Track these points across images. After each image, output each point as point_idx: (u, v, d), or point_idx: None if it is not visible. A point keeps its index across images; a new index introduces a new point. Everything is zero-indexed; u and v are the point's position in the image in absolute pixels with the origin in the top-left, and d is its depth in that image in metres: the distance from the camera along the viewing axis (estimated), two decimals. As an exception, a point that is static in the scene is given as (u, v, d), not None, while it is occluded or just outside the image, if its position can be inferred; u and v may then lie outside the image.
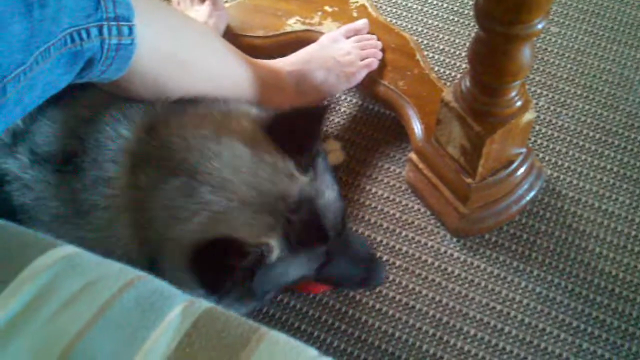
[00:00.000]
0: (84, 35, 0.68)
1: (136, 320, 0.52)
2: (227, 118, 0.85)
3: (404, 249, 1.10)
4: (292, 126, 0.82)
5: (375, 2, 1.37)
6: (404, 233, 1.12)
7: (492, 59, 0.90)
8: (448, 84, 1.26)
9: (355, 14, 1.27)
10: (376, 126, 1.24)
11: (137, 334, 0.51)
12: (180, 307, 0.54)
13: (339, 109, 1.26)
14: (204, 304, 0.55)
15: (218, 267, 0.73)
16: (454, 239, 1.10)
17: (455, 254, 1.09)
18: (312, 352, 0.52)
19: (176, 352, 0.50)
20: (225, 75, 0.97)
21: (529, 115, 0.99)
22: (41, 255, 0.56)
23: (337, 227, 0.85)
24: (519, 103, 0.96)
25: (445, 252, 1.10)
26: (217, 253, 0.73)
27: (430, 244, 1.10)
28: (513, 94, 0.94)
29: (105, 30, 0.70)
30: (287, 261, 0.80)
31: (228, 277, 0.73)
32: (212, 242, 0.74)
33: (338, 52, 1.15)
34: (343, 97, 1.27)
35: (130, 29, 0.73)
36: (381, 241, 1.11)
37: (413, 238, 1.11)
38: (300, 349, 0.51)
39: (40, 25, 0.63)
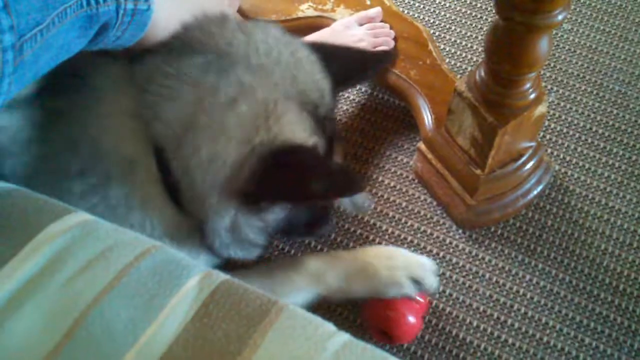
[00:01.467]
0: None
1: (153, 288, 0.52)
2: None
3: (409, 238, 1.10)
4: (346, 57, 0.79)
5: (388, -9, 1.36)
6: (409, 223, 1.11)
7: (509, 49, 0.89)
8: (459, 75, 1.26)
9: (368, 2, 1.27)
10: (385, 115, 1.23)
11: (154, 302, 0.51)
12: (197, 278, 0.53)
13: (349, 97, 1.26)
14: (222, 275, 0.54)
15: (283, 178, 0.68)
16: (460, 230, 1.10)
17: (461, 245, 1.09)
18: (331, 327, 0.51)
19: (194, 321, 0.50)
20: None
21: (541, 108, 0.98)
22: (56, 221, 0.56)
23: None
24: (532, 95, 0.96)
25: (451, 243, 1.09)
26: (282, 163, 0.68)
27: (435, 234, 1.10)
28: (528, 85, 0.94)
29: None
30: None
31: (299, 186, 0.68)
32: (278, 151, 0.68)
33: (351, 39, 1.15)
34: (353, 85, 1.27)
35: None
36: (387, 230, 1.11)
37: (419, 228, 1.11)
38: (319, 323, 0.51)
39: None
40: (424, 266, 0.92)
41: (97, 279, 0.52)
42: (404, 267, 0.91)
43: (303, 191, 0.69)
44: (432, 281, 0.91)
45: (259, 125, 0.69)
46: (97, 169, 0.70)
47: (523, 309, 1.03)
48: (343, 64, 0.78)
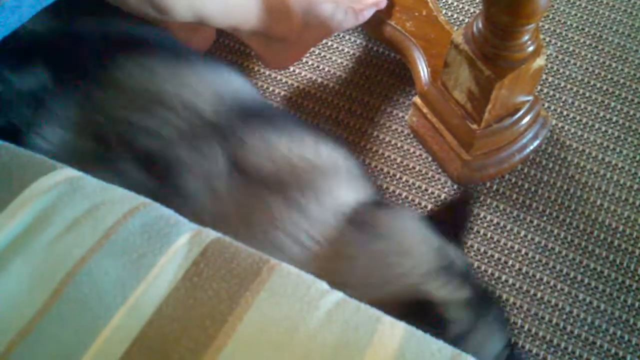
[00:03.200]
0: None
1: (142, 246, 0.50)
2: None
3: (404, 194, 1.09)
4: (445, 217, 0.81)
5: (384, -61, 1.32)
6: (404, 178, 1.10)
7: None
8: (456, 27, 1.23)
9: (363, -49, 1.23)
10: (380, 68, 1.21)
11: (144, 261, 0.50)
12: (188, 235, 0.52)
13: (343, 50, 1.23)
14: (212, 233, 0.53)
15: None
16: (455, 186, 1.09)
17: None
18: (324, 285, 0.50)
19: (184, 280, 0.49)
20: None
21: (539, 61, 0.96)
22: (42, 177, 0.54)
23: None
24: (531, 48, 0.94)
25: (446, 199, 1.08)
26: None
27: (430, 190, 1.09)
28: (526, 37, 0.92)
29: None
30: (477, 333, 0.74)
31: None
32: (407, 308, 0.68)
33: None
34: (347, 37, 1.24)
35: None
36: (381, 186, 1.09)
37: (413, 184, 1.10)
38: (311, 282, 0.50)
39: None
40: None
41: (85, 237, 0.50)
42: None
43: None
44: None
45: None
46: None
47: (517, 265, 1.03)
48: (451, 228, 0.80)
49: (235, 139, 0.75)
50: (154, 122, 0.74)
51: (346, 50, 1.23)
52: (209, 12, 0.89)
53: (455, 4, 1.28)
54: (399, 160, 1.12)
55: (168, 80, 0.77)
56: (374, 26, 1.18)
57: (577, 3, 1.27)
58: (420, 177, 1.10)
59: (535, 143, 1.11)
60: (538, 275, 1.02)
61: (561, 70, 1.20)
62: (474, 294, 0.74)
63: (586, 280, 1.01)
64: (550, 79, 1.19)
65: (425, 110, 1.10)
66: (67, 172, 0.55)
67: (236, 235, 0.57)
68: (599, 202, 1.07)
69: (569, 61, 1.21)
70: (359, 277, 0.71)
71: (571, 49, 1.22)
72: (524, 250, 1.04)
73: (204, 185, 0.72)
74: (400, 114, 1.16)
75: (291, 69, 1.21)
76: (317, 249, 0.72)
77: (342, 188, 0.78)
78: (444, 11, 1.26)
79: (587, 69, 1.20)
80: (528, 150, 1.10)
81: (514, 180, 1.10)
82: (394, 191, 1.09)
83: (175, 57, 0.84)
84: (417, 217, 0.81)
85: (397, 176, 1.10)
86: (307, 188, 0.74)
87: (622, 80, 1.18)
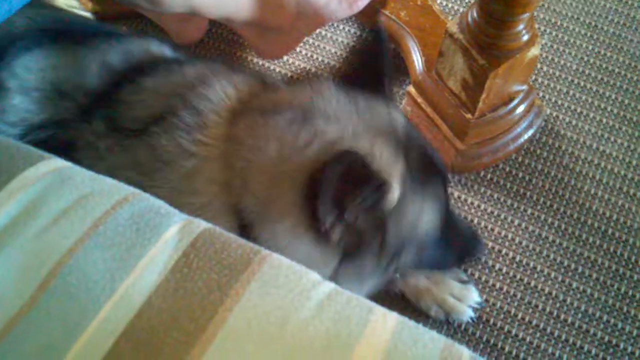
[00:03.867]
0: None
1: (131, 237, 0.50)
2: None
3: (398, 183, 1.08)
4: (359, 69, 0.79)
5: None
6: (398, 167, 1.10)
7: (502, -12, 0.86)
8: (451, 17, 1.22)
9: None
10: (374, 57, 1.20)
11: (132, 252, 0.49)
12: (177, 226, 0.51)
13: (337, 39, 1.22)
14: (203, 223, 0.53)
15: (337, 193, 0.64)
16: (449, 175, 1.09)
17: (450, 190, 1.08)
18: (315, 276, 0.50)
19: (173, 271, 0.48)
20: None
21: (534, 50, 0.96)
22: (30, 167, 0.53)
23: (444, 167, 0.79)
24: (525, 37, 0.93)
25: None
26: (336, 176, 0.63)
27: (424, 179, 1.09)
28: (521, 26, 0.91)
29: None
30: (414, 204, 0.72)
31: (349, 200, 0.64)
32: (335, 158, 0.63)
33: None
34: (341, 27, 1.23)
35: None
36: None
37: (407, 173, 1.09)
38: (303, 272, 0.50)
39: None
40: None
41: (73, 228, 0.50)
42: None
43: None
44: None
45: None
46: None
47: (512, 254, 1.03)
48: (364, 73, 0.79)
49: (112, 100, 0.76)
50: (52, 114, 0.75)
51: (340, 39, 1.22)
52: (201, 3, 0.88)
53: (450, -8, 1.27)
54: (393, 150, 1.11)
55: (64, 67, 0.77)
56: (368, 15, 1.17)
57: (572, -9, 1.26)
58: (415, 167, 1.10)
59: (530, 132, 1.10)
60: (532, 264, 1.02)
61: (556, 60, 1.19)
62: (410, 166, 0.72)
63: (580, 269, 1.01)
64: (545, 69, 1.18)
65: (419, 99, 1.09)
66: (56, 163, 0.55)
67: (128, 179, 0.58)
68: (593, 191, 1.07)
69: (563, 50, 1.20)
70: (276, 152, 0.70)
71: (566, 38, 1.21)
72: (518, 239, 1.04)
73: (89, 155, 0.73)
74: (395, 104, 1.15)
75: (285, 58, 1.20)
76: (208, 150, 0.72)
77: (216, 89, 0.76)
78: (438, 0, 1.25)
79: (582, 58, 1.19)
80: (522, 139, 1.10)
81: (508, 169, 1.09)
82: (388, 181, 1.08)
83: (73, 41, 0.81)
84: (331, 80, 0.79)
85: (392, 166, 1.10)
86: (178, 105, 0.74)
87: (617, 70, 1.18)
